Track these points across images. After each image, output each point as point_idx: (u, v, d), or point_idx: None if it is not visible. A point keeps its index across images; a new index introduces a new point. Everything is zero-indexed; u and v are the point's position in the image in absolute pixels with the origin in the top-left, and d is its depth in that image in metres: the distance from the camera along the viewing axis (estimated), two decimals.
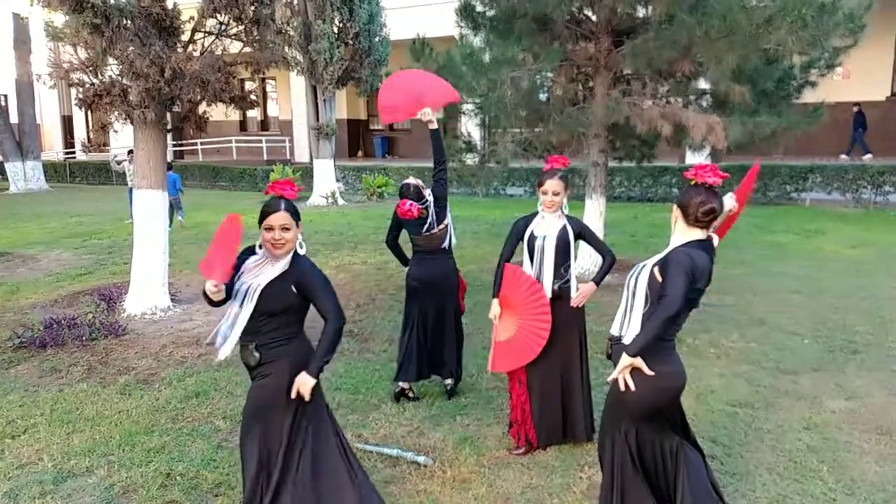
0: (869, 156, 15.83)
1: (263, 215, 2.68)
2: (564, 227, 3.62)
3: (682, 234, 2.63)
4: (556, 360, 3.66)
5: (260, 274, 2.70)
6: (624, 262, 8.47)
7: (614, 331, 2.73)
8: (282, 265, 2.70)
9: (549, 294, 3.61)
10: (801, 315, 6.14)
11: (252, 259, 2.76)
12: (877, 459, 3.57)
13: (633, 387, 2.55)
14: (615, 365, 2.60)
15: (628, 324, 2.65)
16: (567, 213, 3.69)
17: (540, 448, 3.70)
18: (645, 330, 2.51)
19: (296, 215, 2.71)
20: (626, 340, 2.60)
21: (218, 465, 3.60)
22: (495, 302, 3.73)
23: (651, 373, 2.51)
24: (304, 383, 2.68)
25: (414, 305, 4.45)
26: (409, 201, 4.26)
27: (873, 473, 3.43)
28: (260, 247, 2.75)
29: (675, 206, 2.68)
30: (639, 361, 2.52)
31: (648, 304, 2.58)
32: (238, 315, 2.68)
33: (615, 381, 2.60)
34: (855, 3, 6.56)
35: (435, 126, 4.25)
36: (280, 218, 2.65)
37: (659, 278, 2.54)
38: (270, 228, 2.65)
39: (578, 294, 3.65)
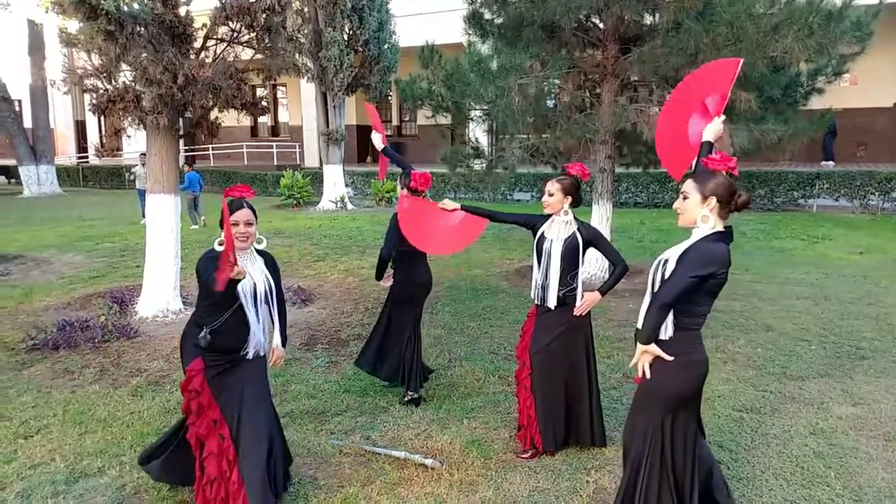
0: (831, 163, 15.83)
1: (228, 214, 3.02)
2: (574, 235, 3.59)
3: (714, 224, 2.58)
4: (561, 367, 3.66)
5: (252, 272, 3.07)
6: (631, 268, 8.48)
7: (641, 325, 2.74)
8: (258, 258, 3.14)
9: (554, 300, 3.60)
10: (807, 321, 6.13)
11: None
12: (884, 466, 3.57)
13: (648, 374, 2.63)
14: None
15: None
16: (579, 220, 3.66)
17: (547, 452, 3.72)
18: (646, 319, 2.57)
19: (254, 212, 3.11)
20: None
21: None
22: (460, 205, 3.87)
23: (670, 358, 2.57)
24: (284, 355, 3.36)
25: (410, 313, 4.46)
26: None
27: (881, 480, 3.43)
28: (220, 244, 2.99)
29: (704, 196, 2.58)
30: (653, 348, 2.58)
31: None
32: (270, 311, 3.16)
33: (644, 374, 2.67)
34: (862, 10, 6.57)
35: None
36: (244, 214, 3.03)
37: None
38: (236, 224, 3.01)
39: (582, 303, 3.62)
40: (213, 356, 3.03)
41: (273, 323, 3.23)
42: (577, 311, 3.62)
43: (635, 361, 2.67)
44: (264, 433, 3.09)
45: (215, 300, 2.96)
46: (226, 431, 3.03)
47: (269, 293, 3.13)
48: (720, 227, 2.60)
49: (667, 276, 2.58)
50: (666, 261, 2.63)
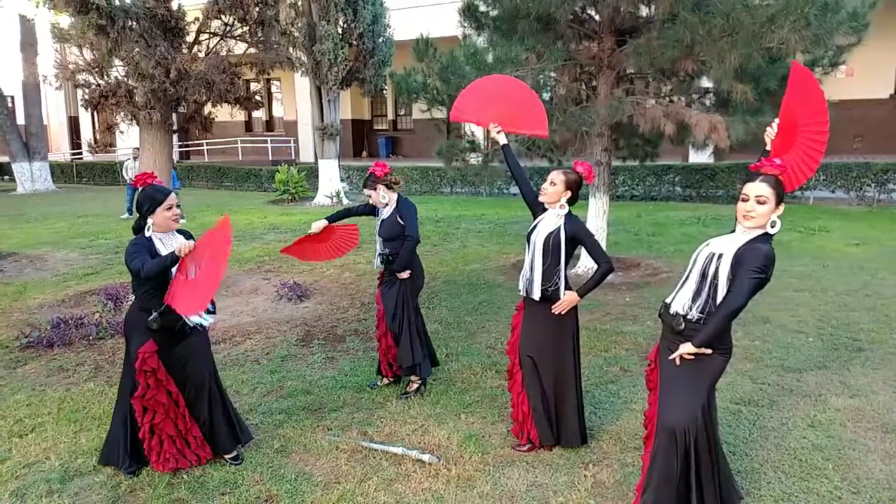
0: None
1: (159, 201, 3.29)
2: (558, 229, 3.51)
3: (767, 225, 2.68)
4: (549, 364, 3.62)
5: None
6: (627, 261, 8.51)
7: (681, 309, 2.78)
8: (177, 236, 3.36)
9: (538, 294, 3.53)
10: (805, 313, 6.13)
11: (154, 242, 3.30)
12: (882, 457, 3.57)
13: (691, 358, 2.73)
14: (674, 333, 2.81)
15: (705, 306, 2.73)
16: (570, 214, 3.59)
17: (544, 447, 3.70)
18: (712, 324, 2.64)
19: None
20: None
21: (223, 463, 3.62)
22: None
23: (709, 351, 2.70)
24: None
25: (416, 301, 4.63)
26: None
27: (879, 471, 3.43)
28: (149, 229, 3.29)
29: (778, 201, 2.67)
30: (702, 350, 2.70)
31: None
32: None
33: (682, 357, 2.73)
34: (858, 1, 6.54)
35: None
36: (175, 198, 3.38)
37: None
38: (171, 207, 3.33)
39: (560, 303, 3.53)
40: (161, 335, 3.32)
41: None
42: (554, 310, 3.54)
43: (678, 356, 2.73)
44: (216, 396, 3.58)
45: (155, 284, 3.23)
46: (181, 399, 3.44)
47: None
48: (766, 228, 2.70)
49: (720, 271, 2.65)
50: (721, 255, 2.68)
